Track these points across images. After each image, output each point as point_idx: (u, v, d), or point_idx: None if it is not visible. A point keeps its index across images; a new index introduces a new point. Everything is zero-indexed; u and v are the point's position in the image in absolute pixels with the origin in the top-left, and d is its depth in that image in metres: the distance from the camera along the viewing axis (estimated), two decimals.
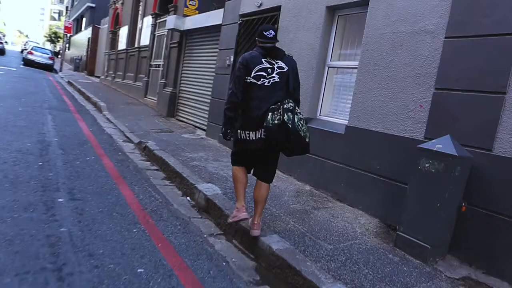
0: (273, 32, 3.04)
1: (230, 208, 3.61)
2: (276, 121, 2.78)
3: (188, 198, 4.22)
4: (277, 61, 3.02)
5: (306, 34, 5.11)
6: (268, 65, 2.99)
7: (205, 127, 8.06)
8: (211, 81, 7.83)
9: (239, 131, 3.05)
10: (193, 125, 8.70)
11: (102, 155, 5.30)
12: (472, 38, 3.25)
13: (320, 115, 5.06)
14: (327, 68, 5.00)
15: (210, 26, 7.81)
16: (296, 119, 2.79)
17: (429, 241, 3.06)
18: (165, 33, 10.47)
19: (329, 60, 4.98)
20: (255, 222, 3.06)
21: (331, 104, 5.03)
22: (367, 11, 4.32)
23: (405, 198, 3.29)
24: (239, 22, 6.76)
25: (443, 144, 3.06)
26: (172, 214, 3.60)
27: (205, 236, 3.25)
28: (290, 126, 2.74)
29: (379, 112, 4.02)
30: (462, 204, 3.14)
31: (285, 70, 3.01)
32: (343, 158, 4.37)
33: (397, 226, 3.38)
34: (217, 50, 7.57)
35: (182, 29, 8.96)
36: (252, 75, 2.96)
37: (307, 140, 2.88)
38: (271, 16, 5.97)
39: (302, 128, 2.83)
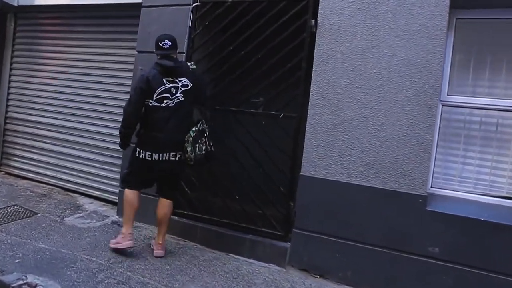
0: (169, 42, 2.93)
1: None
2: (203, 152, 2.92)
3: None
4: (181, 79, 2.92)
5: (403, 44, 2.83)
6: (171, 85, 2.89)
7: (93, 192, 4.39)
8: (109, 108, 4.27)
9: (138, 149, 2.94)
10: (58, 187, 4.63)
11: None
12: None
13: (431, 187, 2.93)
14: (440, 106, 2.92)
15: (107, 4, 4.12)
16: (210, 141, 3.02)
17: None
18: None
19: (445, 93, 2.91)
20: (160, 242, 3.01)
21: (447, 168, 2.97)
22: None
23: None
24: (193, 4, 3.64)
25: None
26: None
27: None
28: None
29: None
30: None
31: (189, 87, 2.94)
32: None
33: None
34: (117, 51, 4.11)
35: (15, 4, 4.65)
36: (154, 99, 2.86)
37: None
38: (290, 3, 3.24)
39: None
